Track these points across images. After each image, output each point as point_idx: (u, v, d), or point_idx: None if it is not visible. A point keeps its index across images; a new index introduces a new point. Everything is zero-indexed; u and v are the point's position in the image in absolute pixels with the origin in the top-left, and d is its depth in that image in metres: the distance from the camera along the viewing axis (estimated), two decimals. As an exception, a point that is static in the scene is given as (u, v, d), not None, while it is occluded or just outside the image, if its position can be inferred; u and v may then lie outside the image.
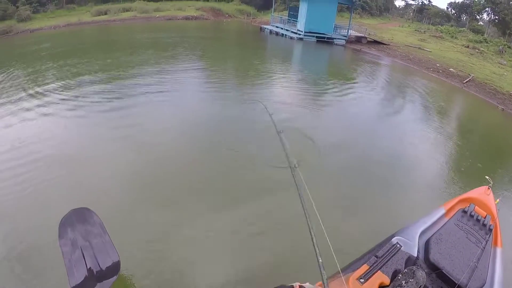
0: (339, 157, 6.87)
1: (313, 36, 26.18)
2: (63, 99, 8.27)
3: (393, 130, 9.40)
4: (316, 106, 9.84)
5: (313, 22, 25.74)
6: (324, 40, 26.34)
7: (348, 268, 2.52)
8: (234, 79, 11.11)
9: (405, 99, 13.13)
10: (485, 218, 3.17)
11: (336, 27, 27.91)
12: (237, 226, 4.42)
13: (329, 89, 12.23)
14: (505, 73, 22.24)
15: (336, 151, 7.08)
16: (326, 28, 26.53)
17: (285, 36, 26.95)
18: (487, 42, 30.88)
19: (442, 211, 3.32)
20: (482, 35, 34.86)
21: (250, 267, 3.76)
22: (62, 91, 8.83)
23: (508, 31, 37.48)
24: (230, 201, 4.95)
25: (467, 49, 28.13)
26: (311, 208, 2.62)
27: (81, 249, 2.88)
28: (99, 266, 2.76)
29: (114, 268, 2.77)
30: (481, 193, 3.56)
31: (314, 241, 2.21)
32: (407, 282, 2.05)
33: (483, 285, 2.46)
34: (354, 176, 6.24)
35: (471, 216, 3.16)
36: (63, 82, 9.55)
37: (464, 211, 3.22)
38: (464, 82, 18.73)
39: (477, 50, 27.75)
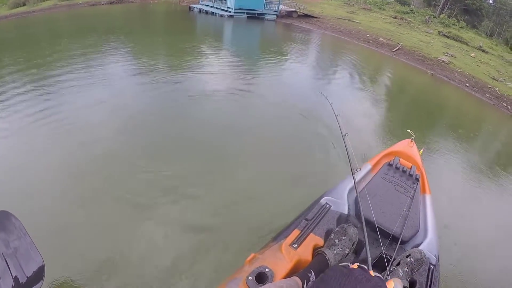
0: (271, 128, 6.40)
1: (244, 12, 25.04)
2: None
3: (327, 98, 8.58)
4: (248, 85, 8.77)
5: (243, -2, 24.66)
6: (255, 16, 25.32)
7: (280, 236, 2.38)
8: (165, 67, 9.49)
9: (338, 69, 12.58)
10: (410, 168, 3.23)
11: (267, 2, 26.99)
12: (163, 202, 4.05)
13: (263, 65, 11.20)
14: (431, 41, 22.66)
15: (267, 123, 6.60)
16: (256, 4, 25.53)
17: (215, 15, 25.44)
18: (413, 13, 31.68)
19: (368, 167, 3.29)
20: (408, 7, 35.65)
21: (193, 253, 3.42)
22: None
23: (434, 2, 38.76)
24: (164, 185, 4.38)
25: (395, 19, 28.54)
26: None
27: (4, 258, 2.56)
28: (24, 273, 2.53)
29: (39, 273, 2.56)
30: (405, 146, 3.66)
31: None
32: (340, 240, 2.04)
33: (417, 231, 2.51)
34: (287, 146, 5.82)
35: (397, 168, 3.21)
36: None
37: (390, 164, 3.25)
38: (394, 50, 18.66)
39: (404, 21, 28.24)
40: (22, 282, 2.49)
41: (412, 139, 3.73)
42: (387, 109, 8.73)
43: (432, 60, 17.86)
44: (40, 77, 7.82)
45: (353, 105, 8.52)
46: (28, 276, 2.54)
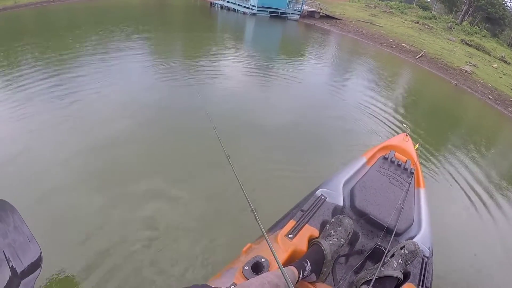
0: (284, 128, 6.53)
1: (267, 11, 25.10)
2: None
3: (351, 105, 8.82)
4: (267, 89, 9.00)
5: (267, -4, 24.66)
6: (277, 15, 25.37)
7: (276, 227, 2.39)
8: (183, 67, 9.47)
9: (363, 74, 12.66)
10: (405, 162, 3.26)
11: (290, 1, 26.96)
12: (175, 200, 4.04)
13: (288, 75, 10.87)
14: (454, 49, 22.60)
15: (283, 124, 6.68)
16: (279, 2, 25.56)
17: (237, 12, 25.55)
18: (436, 19, 31.48)
19: (363, 160, 3.32)
20: (430, 12, 35.42)
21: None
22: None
23: (455, 8, 38.42)
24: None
25: (417, 25, 28.44)
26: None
27: (2, 248, 2.50)
28: (22, 262, 2.50)
29: (37, 263, 2.54)
30: (400, 140, 3.71)
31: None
32: (336, 231, 2.06)
33: (411, 224, 2.53)
34: (304, 149, 5.89)
35: (392, 162, 3.24)
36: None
37: (385, 158, 3.28)
38: (417, 57, 18.67)
39: (426, 26, 28.12)
40: (19, 272, 2.48)
41: (407, 133, 3.79)
42: (410, 115, 8.94)
43: (455, 69, 17.86)
44: (57, 68, 8.03)
45: (381, 109, 8.70)
46: (26, 265, 2.53)
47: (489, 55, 23.58)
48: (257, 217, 1.91)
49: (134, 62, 9.22)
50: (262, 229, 1.87)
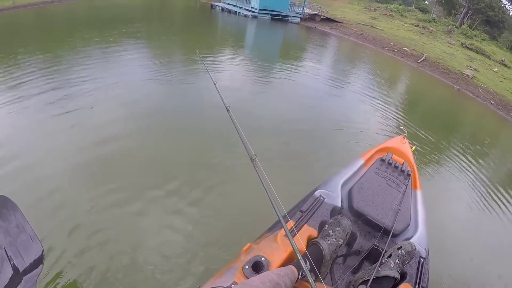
0: (285, 129, 6.62)
1: (268, 14, 25.10)
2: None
3: (351, 107, 9.04)
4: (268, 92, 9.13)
5: (268, -2, 24.72)
6: (279, 18, 25.35)
7: (275, 227, 2.42)
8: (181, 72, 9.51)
9: (365, 78, 12.73)
10: (402, 164, 3.28)
11: (291, 4, 26.95)
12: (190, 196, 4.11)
13: (288, 77, 10.95)
14: (455, 53, 22.73)
15: (283, 124, 6.79)
16: (281, 5, 25.58)
17: (238, 14, 25.55)
18: (435, 22, 31.61)
19: (361, 161, 3.33)
20: (429, 15, 35.57)
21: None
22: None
23: (454, 11, 38.58)
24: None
25: (417, 28, 28.60)
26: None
27: (3, 246, 2.54)
28: (24, 260, 2.52)
29: (38, 260, 2.54)
30: (397, 142, 3.71)
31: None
32: (334, 231, 2.09)
33: (408, 225, 2.57)
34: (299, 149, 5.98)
35: (389, 163, 3.26)
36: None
37: (382, 160, 3.30)
38: (419, 61, 18.76)
39: (426, 30, 28.26)
40: (21, 270, 2.49)
41: (405, 135, 3.80)
42: (411, 119, 9.01)
43: (457, 73, 17.98)
44: (56, 68, 8.07)
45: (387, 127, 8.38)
46: (28, 263, 2.53)
47: (489, 58, 23.71)
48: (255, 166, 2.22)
49: (134, 63, 9.38)
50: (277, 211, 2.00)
